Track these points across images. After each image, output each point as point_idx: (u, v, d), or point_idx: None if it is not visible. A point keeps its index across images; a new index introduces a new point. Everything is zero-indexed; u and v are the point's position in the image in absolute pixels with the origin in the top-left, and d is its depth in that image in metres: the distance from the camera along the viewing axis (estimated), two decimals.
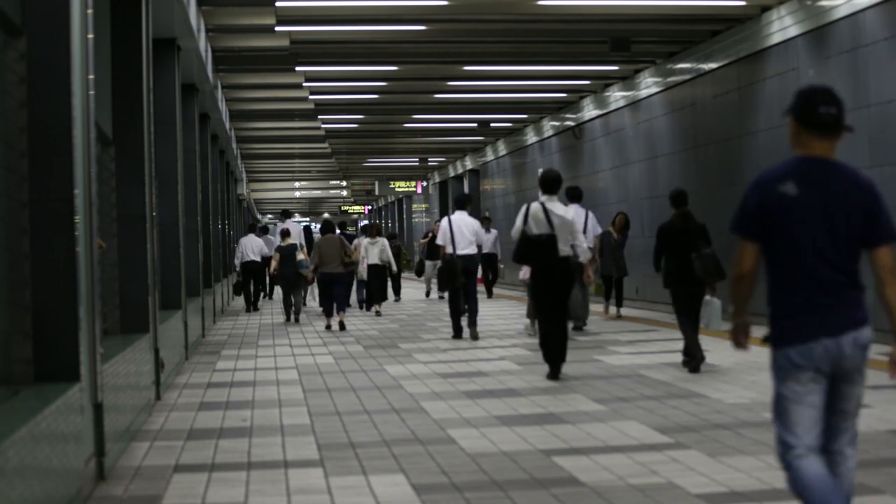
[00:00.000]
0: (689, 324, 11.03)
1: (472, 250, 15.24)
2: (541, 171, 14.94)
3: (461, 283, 14.84)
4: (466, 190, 38.49)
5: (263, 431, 8.33)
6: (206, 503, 6.12)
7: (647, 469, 6.55)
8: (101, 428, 6.71)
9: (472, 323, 15.01)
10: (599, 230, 16.34)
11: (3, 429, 4.58)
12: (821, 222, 4.34)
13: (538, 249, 10.89)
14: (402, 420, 8.62)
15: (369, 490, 6.26)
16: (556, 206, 11.08)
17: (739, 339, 4.61)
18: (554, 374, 10.81)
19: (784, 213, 4.35)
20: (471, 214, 15.79)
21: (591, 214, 15.57)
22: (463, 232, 15.11)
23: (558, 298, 10.89)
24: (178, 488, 6.50)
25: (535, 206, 11.06)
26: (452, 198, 16.27)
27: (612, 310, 18.38)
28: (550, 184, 11.19)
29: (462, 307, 15.09)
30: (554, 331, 10.86)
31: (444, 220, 15.45)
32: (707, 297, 10.76)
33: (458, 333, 15.26)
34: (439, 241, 15.35)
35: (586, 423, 8.19)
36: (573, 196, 15.31)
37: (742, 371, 10.85)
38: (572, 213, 11.38)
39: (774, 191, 4.37)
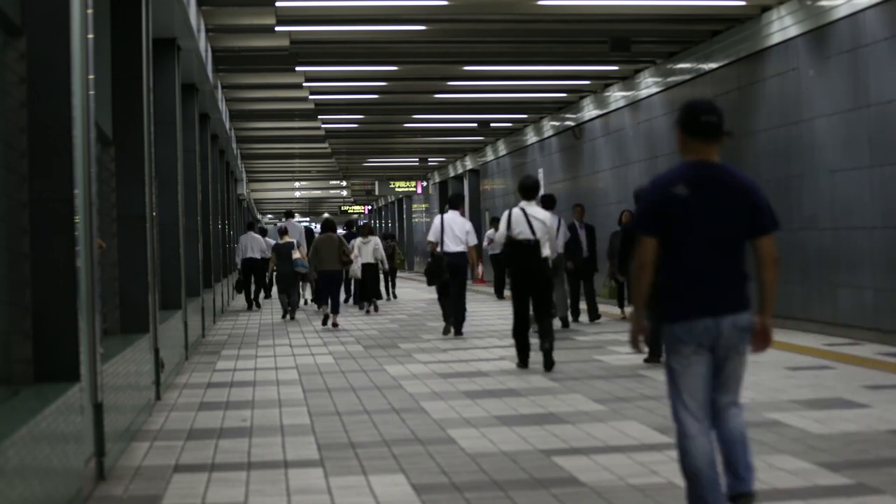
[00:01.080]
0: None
1: (461, 248, 15.72)
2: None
3: (447, 278, 15.50)
4: (466, 190, 38.50)
5: (263, 431, 8.33)
6: (206, 503, 6.12)
7: (647, 469, 6.55)
8: (101, 428, 6.71)
9: (457, 328, 15.77)
10: (569, 235, 17.24)
11: (3, 429, 4.58)
12: (709, 218, 4.95)
13: (523, 252, 11.58)
14: (402, 420, 8.63)
15: (369, 490, 6.26)
16: (536, 211, 11.77)
17: (638, 342, 5.12)
18: (523, 362, 11.74)
19: (677, 211, 4.95)
20: (462, 215, 16.25)
21: (561, 220, 16.56)
22: (453, 230, 15.68)
23: (542, 296, 11.65)
24: (178, 488, 6.50)
25: (516, 211, 11.75)
26: (447, 197, 16.86)
27: (629, 311, 18.03)
28: (529, 190, 11.92)
29: (451, 302, 15.75)
30: (526, 319, 11.72)
31: (437, 218, 16.08)
32: None
33: (448, 330, 15.93)
34: (430, 238, 15.93)
35: (586, 423, 8.19)
36: (546, 204, 15.45)
37: None
38: (549, 217, 12.05)
39: (668, 192, 4.98)
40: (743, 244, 5.01)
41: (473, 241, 15.92)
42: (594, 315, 17.64)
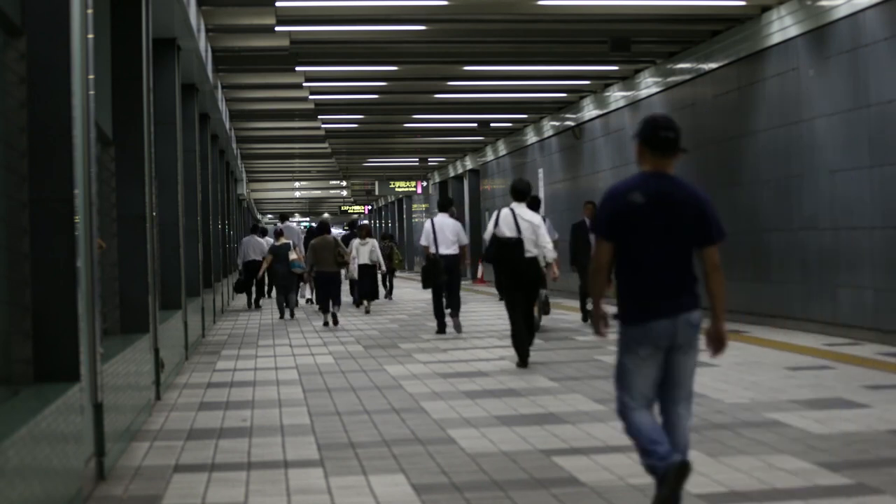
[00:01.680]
0: None
1: (454, 250, 16.15)
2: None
3: (444, 280, 15.82)
4: (466, 190, 38.51)
5: (263, 431, 8.33)
6: (206, 503, 6.12)
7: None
8: (101, 428, 6.71)
9: (454, 315, 16.04)
10: (556, 235, 17.68)
11: (3, 429, 4.58)
12: (662, 225, 5.32)
13: (506, 250, 11.94)
14: (402, 420, 8.63)
15: (369, 490, 6.27)
16: (525, 212, 12.16)
17: (600, 327, 5.51)
18: (523, 362, 11.86)
19: (633, 218, 5.33)
20: (451, 216, 16.76)
21: (547, 221, 16.92)
22: (445, 233, 16.12)
23: (527, 294, 12.07)
24: (178, 488, 6.50)
25: (505, 211, 12.18)
26: (437, 201, 17.30)
27: None
28: (520, 192, 12.38)
29: (444, 304, 16.15)
30: (522, 323, 11.90)
31: (428, 222, 16.43)
32: None
33: (441, 329, 16.21)
34: (423, 242, 16.38)
35: (586, 423, 8.19)
36: (532, 206, 15.53)
37: (742, 371, 10.85)
38: (539, 218, 12.42)
39: (624, 200, 5.37)
40: (692, 251, 5.38)
41: (465, 240, 16.37)
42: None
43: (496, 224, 12.10)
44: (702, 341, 5.36)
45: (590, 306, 17.67)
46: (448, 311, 16.13)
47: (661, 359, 5.32)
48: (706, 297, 5.31)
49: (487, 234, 12.35)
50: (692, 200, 5.36)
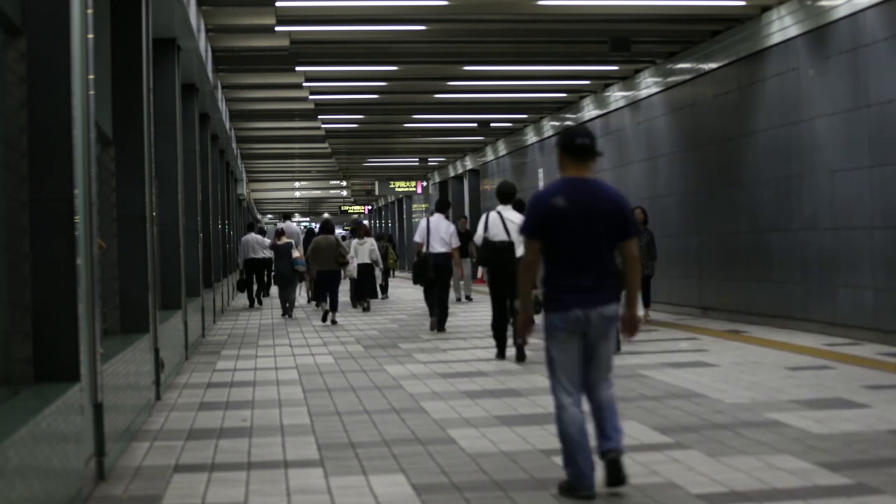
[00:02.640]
0: None
1: (445, 249, 16.71)
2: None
3: (432, 277, 16.51)
4: (466, 190, 38.51)
5: (263, 431, 8.33)
6: (206, 503, 6.12)
7: (647, 469, 6.55)
8: (101, 428, 6.71)
9: (440, 319, 16.80)
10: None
11: (3, 429, 4.59)
12: (583, 225, 5.92)
13: (498, 254, 12.57)
14: (402, 420, 8.63)
15: (369, 490, 6.27)
16: (511, 214, 12.66)
17: (525, 332, 6.13)
18: (501, 354, 12.71)
19: (556, 220, 5.93)
20: (447, 218, 17.30)
21: None
22: (439, 232, 16.69)
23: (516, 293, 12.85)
24: (178, 488, 6.50)
25: (493, 214, 12.76)
26: (435, 202, 17.88)
27: (640, 311, 17.37)
28: (505, 195, 12.92)
29: (435, 300, 16.86)
30: (505, 316, 12.71)
31: (423, 221, 17.09)
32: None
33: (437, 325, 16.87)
34: (416, 240, 17.00)
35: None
36: (518, 208, 15.71)
37: (742, 371, 10.85)
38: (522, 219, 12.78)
39: (548, 204, 5.97)
40: (611, 247, 5.99)
41: (456, 243, 16.88)
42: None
43: (486, 228, 12.69)
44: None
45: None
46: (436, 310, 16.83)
47: (580, 344, 5.97)
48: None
49: (478, 238, 12.89)
50: (610, 202, 6.00)
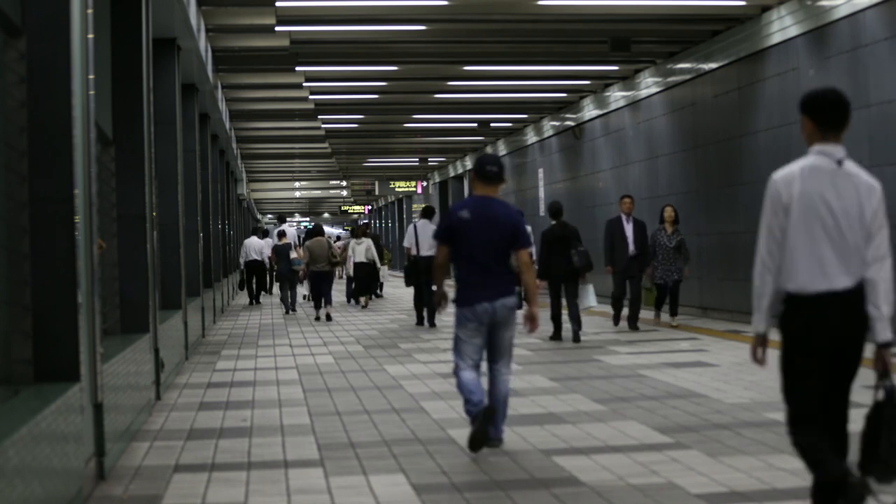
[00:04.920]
0: (558, 303, 14.68)
1: (433, 252, 17.11)
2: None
3: (424, 280, 17.50)
4: (466, 191, 38.49)
5: (263, 431, 8.33)
6: (206, 503, 6.12)
7: (647, 469, 6.55)
8: (101, 428, 6.71)
9: (430, 314, 17.92)
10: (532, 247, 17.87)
11: (3, 429, 4.59)
12: (484, 235, 7.31)
13: (426, 266, 14.69)
14: (402, 420, 8.63)
15: (369, 490, 6.27)
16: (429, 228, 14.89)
17: (441, 304, 7.53)
18: (420, 322, 16.07)
19: (462, 230, 7.33)
20: (432, 223, 18.43)
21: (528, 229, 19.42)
22: (427, 237, 17.64)
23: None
24: (178, 488, 6.50)
25: (420, 224, 15.32)
26: (421, 209, 19.19)
27: (665, 317, 16.70)
28: (430, 213, 17.94)
29: (424, 300, 18.07)
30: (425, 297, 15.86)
31: (411, 226, 18.53)
32: (582, 284, 14.52)
33: (420, 321, 18.17)
34: (406, 244, 18.51)
35: (586, 423, 8.20)
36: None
37: (742, 371, 10.85)
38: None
39: (457, 216, 7.39)
40: (508, 253, 7.34)
41: None
42: (634, 322, 15.86)
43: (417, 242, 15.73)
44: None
45: (625, 311, 17.63)
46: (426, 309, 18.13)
47: (484, 332, 7.30)
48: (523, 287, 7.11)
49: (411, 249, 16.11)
50: (506, 218, 7.37)
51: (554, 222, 14.80)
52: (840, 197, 4.69)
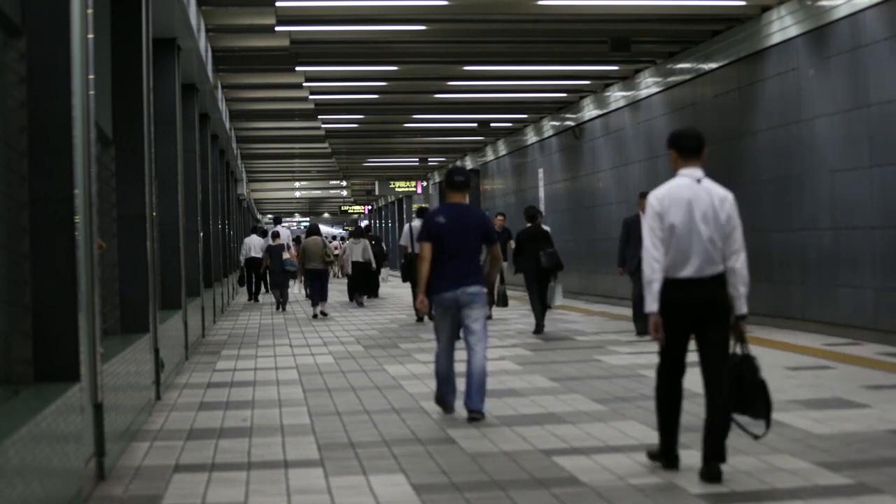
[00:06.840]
0: (539, 300, 15.59)
1: None
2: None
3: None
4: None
5: (263, 431, 8.33)
6: (206, 503, 6.12)
7: (647, 469, 6.55)
8: (101, 428, 6.71)
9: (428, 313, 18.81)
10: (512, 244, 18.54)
11: (3, 429, 4.59)
12: (457, 236, 8.62)
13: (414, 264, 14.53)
14: (402, 420, 8.63)
15: (369, 490, 6.27)
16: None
17: (421, 304, 9.05)
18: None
19: (439, 232, 8.63)
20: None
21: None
22: None
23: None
24: (178, 488, 6.50)
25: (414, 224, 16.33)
26: (415, 210, 20.05)
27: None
28: (422, 213, 17.86)
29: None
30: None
31: (406, 226, 19.30)
32: (552, 283, 15.40)
33: (420, 318, 18.75)
34: (402, 242, 19.40)
35: (586, 423, 8.20)
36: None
37: None
38: None
39: (434, 220, 8.70)
40: (478, 251, 8.73)
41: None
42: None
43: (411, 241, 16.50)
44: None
45: (625, 311, 17.55)
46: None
47: (451, 314, 8.59)
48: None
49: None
50: (477, 220, 8.77)
51: (529, 224, 16.08)
52: (700, 205, 6.20)
